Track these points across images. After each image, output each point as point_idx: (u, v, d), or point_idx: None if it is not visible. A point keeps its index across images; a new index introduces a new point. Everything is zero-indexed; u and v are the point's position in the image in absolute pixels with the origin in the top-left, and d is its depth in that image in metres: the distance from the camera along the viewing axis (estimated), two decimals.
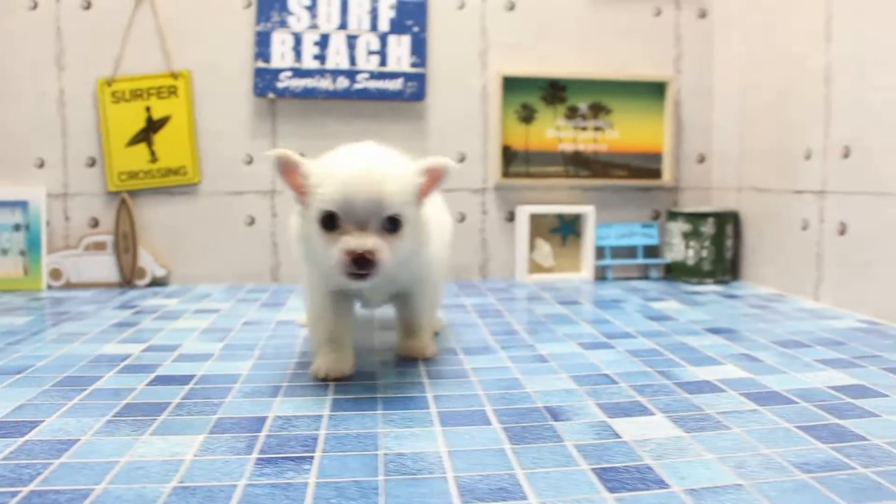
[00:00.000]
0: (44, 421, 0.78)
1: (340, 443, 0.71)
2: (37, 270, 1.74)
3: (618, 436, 0.73)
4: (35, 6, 1.74)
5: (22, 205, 1.76)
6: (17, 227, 1.77)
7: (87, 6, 1.75)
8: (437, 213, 1.03)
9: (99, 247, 1.76)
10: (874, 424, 0.76)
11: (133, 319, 1.34)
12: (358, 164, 0.87)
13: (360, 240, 0.83)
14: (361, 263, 0.82)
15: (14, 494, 0.60)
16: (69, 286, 1.75)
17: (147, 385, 0.91)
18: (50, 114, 1.75)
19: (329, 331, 0.97)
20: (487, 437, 0.72)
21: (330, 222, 0.85)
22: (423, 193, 0.91)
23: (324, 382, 0.92)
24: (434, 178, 0.91)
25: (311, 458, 0.67)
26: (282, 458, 0.67)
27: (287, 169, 0.89)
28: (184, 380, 0.94)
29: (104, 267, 1.76)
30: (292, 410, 0.81)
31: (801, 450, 0.69)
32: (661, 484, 0.61)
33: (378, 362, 1.03)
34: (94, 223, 1.78)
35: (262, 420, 0.78)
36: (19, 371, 0.98)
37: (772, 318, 1.32)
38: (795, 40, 1.57)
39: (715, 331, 1.21)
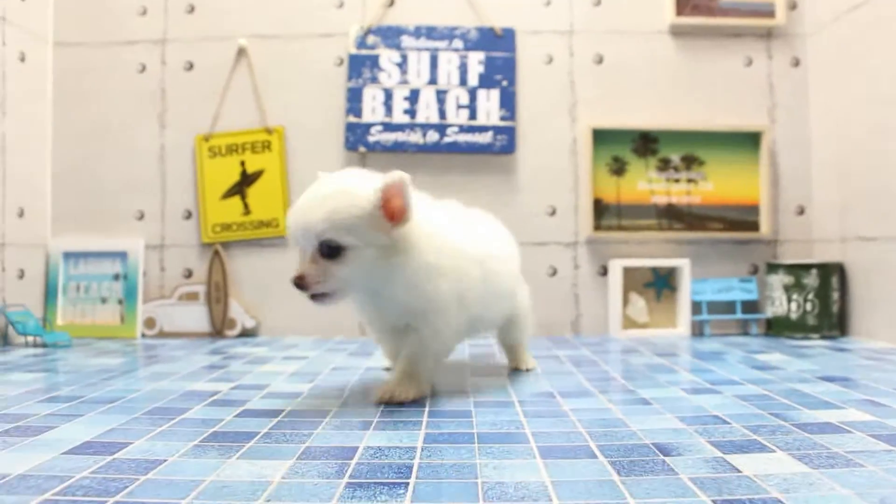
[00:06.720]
0: (133, 443, 0.76)
1: (435, 471, 0.67)
2: (132, 319, 1.77)
3: (737, 470, 0.66)
4: (143, 69, 1.82)
5: (121, 255, 1.81)
6: (115, 277, 1.81)
7: (190, 67, 1.82)
8: (465, 250, 1.00)
9: (192, 297, 1.78)
10: None
11: (222, 363, 1.34)
12: (305, 195, 0.91)
13: (300, 265, 0.89)
14: (300, 286, 0.88)
15: None
16: (162, 335, 1.77)
17: (235, 417, 0.89)
18: (151, 169, 1.81)
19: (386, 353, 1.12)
20: (593, 469, 0.67)
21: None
22: (391, 215, 0.89)
23: (410, 417, 0.89)
24: (394, 197, 0.89)
25: (406, 483, 0.63)
26: (375, 482, 0.64)
27: None
28: (272, 413, 0.91)
29: (196, 317, 1.78)
30: (384, 442, 0.78)
31: None
32: None
33: (472, 402, 0.98)
34: (188, 274, 1.81)
35: (354, 449, 0.74)
36: (111, 401, 0.97)
37: (890, 368, 1.22)
38: (893, 84, 1.50)
39: (829, 379, 1.12)
